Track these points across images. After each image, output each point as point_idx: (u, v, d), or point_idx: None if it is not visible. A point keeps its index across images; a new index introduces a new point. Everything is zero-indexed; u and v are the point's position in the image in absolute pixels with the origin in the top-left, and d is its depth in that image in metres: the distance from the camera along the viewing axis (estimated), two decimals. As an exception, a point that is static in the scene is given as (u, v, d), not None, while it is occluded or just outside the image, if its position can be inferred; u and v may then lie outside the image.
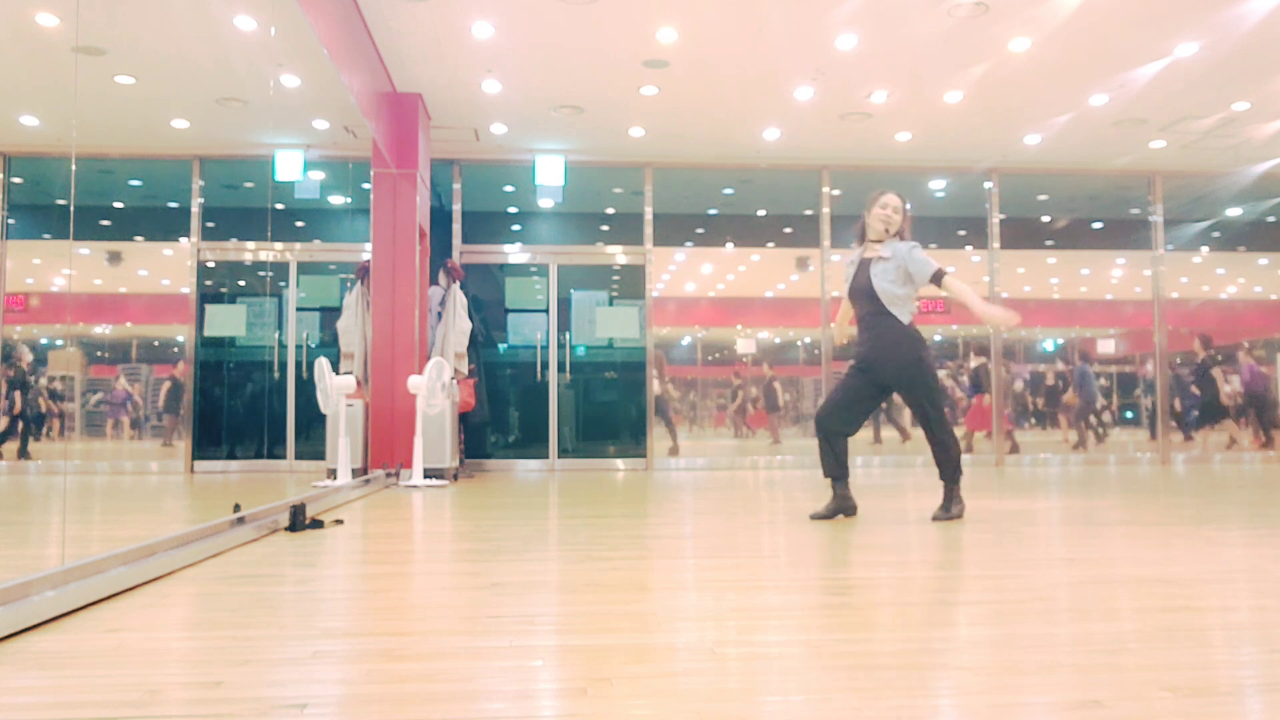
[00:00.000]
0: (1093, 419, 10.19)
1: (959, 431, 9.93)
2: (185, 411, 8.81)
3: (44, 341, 9.03)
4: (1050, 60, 7.02)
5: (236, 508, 3.90)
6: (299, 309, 9.11)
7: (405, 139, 7.71)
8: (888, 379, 4.38)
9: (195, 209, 9.04)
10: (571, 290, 9.59)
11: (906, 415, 10.21)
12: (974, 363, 9.98)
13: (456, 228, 9.41)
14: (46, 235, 9.36)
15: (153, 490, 6.79)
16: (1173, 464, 9.68)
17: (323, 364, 6.71)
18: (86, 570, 2.47)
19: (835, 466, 4.43)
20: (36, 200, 9.28)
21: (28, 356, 8.75)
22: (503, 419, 9.49)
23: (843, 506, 4.43)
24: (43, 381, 8.76)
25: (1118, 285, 10.30)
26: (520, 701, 1.59)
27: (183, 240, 9.04)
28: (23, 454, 8.56)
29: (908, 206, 4.47)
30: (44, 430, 8.82)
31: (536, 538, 3.87)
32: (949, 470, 4.38)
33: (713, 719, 1.45)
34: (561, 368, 9.39)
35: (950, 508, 4.35)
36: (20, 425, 8.57)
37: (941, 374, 10.00)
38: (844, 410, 4.43)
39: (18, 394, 8.57)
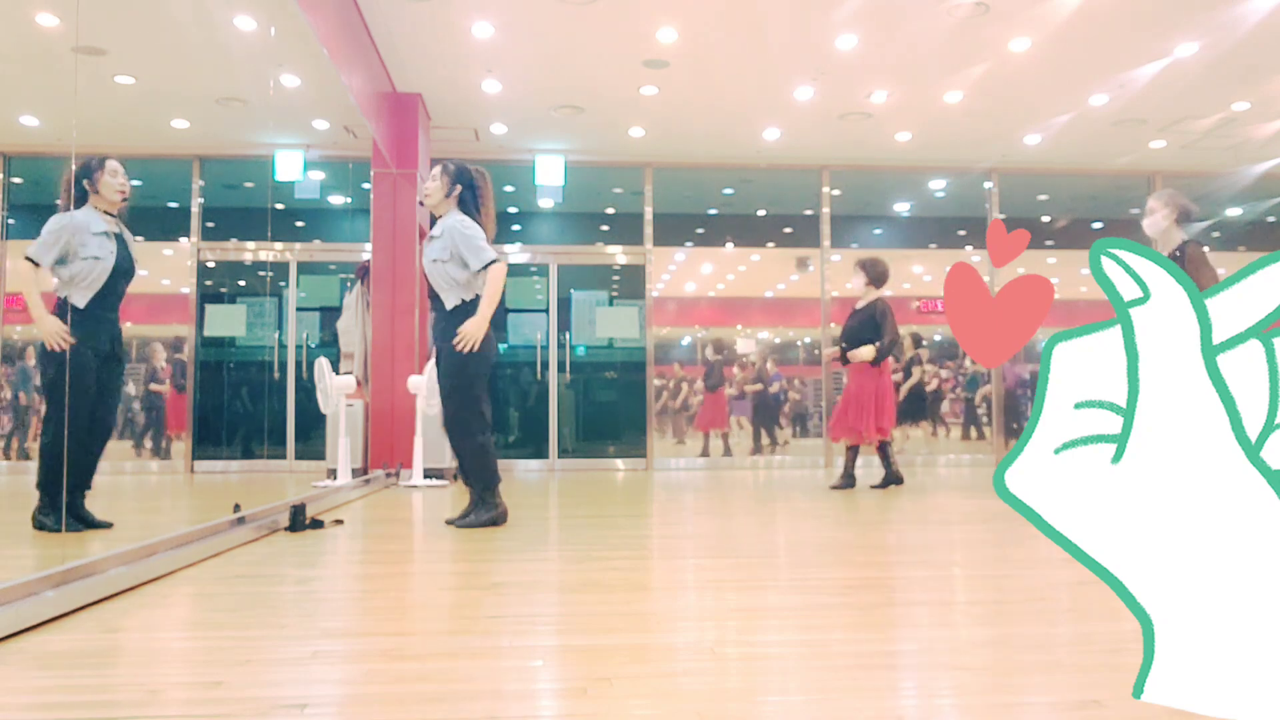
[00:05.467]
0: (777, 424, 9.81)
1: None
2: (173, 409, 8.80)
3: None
4: (1050, 60, 7.01)
5: (236, 508, 3.90)
6: (299, 309, 9.11)
7: (405, 139, 7.71)
8: None
9: (195, 209, 9.03)
10: (571, 290, 9.59)
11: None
12: (712, 359, 9.60)
13: (456, 228, 9.40)
14: (46, 235, 9.35)
15: (153, 490, 6.79)
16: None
17: (323, 364, 6.71)
18: (86, 570, 2.47)
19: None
20: (36, 200, 9.27)
21: (162, 354, 8.75)
22: (503, 419, 9.49)
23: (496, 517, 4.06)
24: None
25: (1118, 285, 10.27)
26: (520, 701, 1.59)
27: (183, 240, 9.04)
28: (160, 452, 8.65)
29: (449, 167, 4.22)
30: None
31: (536, 538, 3.87)
32: (467, 476, 4.07)
33: (713, 719, 1.45)
34: (561, 368, 9.39)
35: (471, 514, 4.03)
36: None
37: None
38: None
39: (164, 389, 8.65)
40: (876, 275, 6.19)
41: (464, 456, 4.08)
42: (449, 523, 4.10)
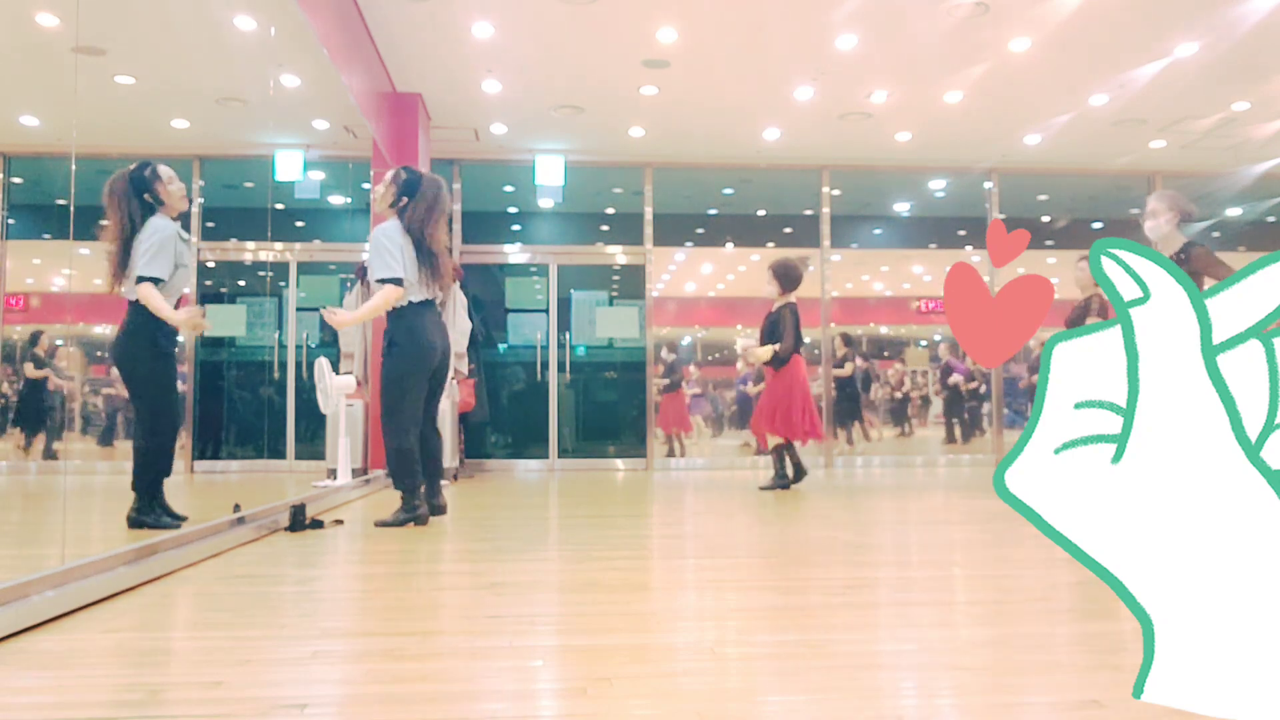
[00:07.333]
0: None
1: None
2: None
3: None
4: (1050, 60, 7.01)
5: (236, 507, 3.90)
6: (299, 309, 9.10)
7: (405, 139, 7.71)
8: None
9: (195, 209, 9.03)
10: (571, 290, 9.58)
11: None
12: (668, 359, 9.57)
13: (456, 228, 9.41)
14: (46, 235, 9.35)
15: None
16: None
17: (323, 364, 6.71)
18: (86, 570, 2.47)
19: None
20: (36, 200, 9.27)
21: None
22: (503, 419, 9.49)
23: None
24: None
25: (1118, 285, 10.26)
26: (520, 701, 1.59)
27: (183, 240, 9.04)
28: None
29: (399, 175, 4.23)
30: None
31: (536, 538, 3.88)
32: (391, 475, 4.22)
33: (713, 719, 1.45)
34: (561, 368, 9.39)
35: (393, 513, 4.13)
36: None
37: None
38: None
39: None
40: (786, 279, 6.19)
41: (388, 456, 4.17)
42: (377, 524, 4.12)
